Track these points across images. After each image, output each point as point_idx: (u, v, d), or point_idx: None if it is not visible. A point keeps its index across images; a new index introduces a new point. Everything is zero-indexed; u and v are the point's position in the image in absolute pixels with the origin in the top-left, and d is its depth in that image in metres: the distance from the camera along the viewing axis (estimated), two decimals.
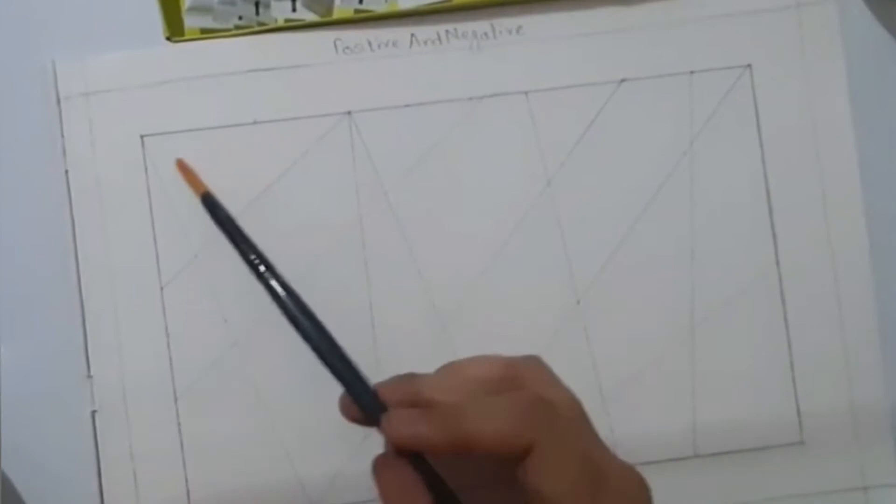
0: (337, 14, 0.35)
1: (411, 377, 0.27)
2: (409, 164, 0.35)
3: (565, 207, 0.35)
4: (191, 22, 0.35)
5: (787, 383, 0.34)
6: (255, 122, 0.35)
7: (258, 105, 0.35)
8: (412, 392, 0.26)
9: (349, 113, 0.35)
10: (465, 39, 0.35)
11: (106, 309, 0.34)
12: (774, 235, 0.35)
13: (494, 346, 0.28)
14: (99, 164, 0.34)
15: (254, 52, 0.35)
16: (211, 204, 0.32)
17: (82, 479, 0.34)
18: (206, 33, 0.35)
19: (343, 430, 0.34)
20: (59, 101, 0.35)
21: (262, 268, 0.30)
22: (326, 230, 0.34)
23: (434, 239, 0.35)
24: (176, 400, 0.34)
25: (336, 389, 0.28)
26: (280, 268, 0.34)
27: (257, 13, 0.35)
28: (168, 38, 0.35)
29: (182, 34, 0.35)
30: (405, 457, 0.25)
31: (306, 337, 0.29)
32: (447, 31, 0.35)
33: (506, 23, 0.35)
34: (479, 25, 0.35)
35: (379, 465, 0.26)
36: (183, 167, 0.34)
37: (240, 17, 0.35)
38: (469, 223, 0.35)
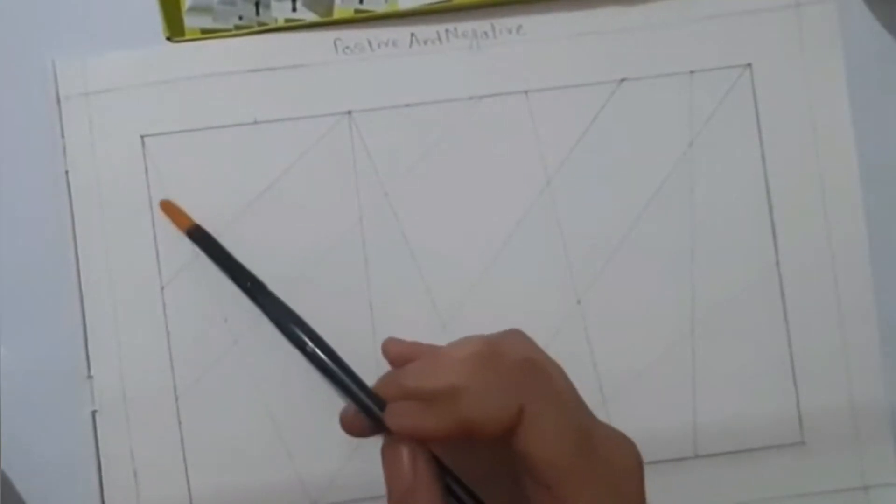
0: (337, 14, 0.35)
1: (390, 373, 0.27)
2: (409, 164, 0.35)
3: (565, 207, 0.35)
4: (191, 22, 0.35)
5: (787, 383, 0.34)
6: (255, 122, 0.35)
7: (258, 105, 0.35)
8: (398, 386, 0.26)
9: (349, 113, 0.35)
10: (465, 39, 0.35)
11: (106, 309, 0.34)
12: (774, 235, 0.35)
13: None
14: (99, 164, 0.34)
15: (254, 52, 0.35)
16: (199, 236, 0.32)
17: (82, 479, 0.34)
18: (206, 33, 0.35)
19: None
20: (59, 101, 0.35)
21: (256, 292, 0.31)
22: (326, 230, 0.34)
23: (434, 239, 0.35)
24: (176, 399, 0.34)
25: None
26: (280, 268, 0.34)
27: (257, 13, 0.35)
28: (168, 38, 0.35)
29: (182, 34, 0.35)
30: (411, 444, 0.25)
31: (304, 349, 0.29)
32: (447, 31, 0.35)
33: (506, 22, 0.35)
34: (479, 25, 0.35)
35: (386, 446, 0.26)
36: (168, 207, 0.34)
37: (240, 17, 0.35)
38: (469, 223, 0.35)
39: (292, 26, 0.35)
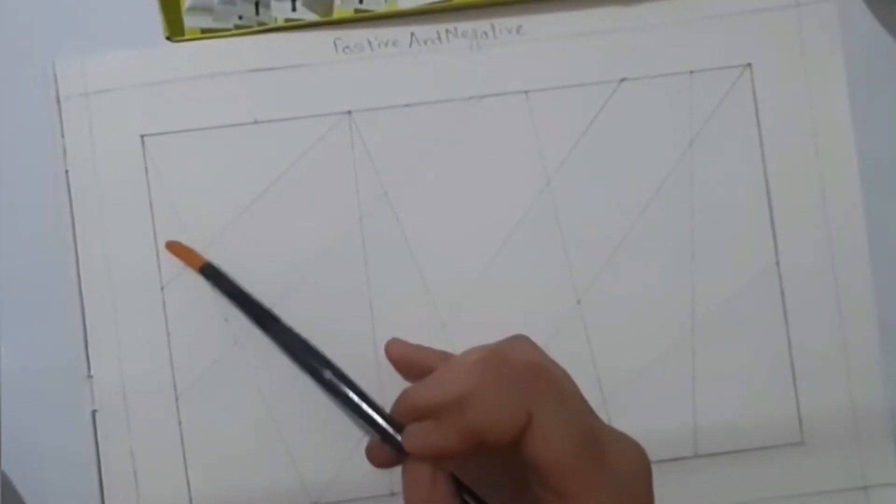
0: (337, 14, 0.35)
1: (403, 393, 0.27)
2: (409, 164, 0.35)
3: (565, 207, 0.35)
4: (191, 22, 0.35)
5: (787, 383, 0.34)
6: (255, 122, 0.35)
7: (258, 105, 0.35)
8: (410, 406, 0.26)
9: (349, 113, 0.35)
10: (465, 39, 0.35)
11: (106, 309, 0.34)
12: (774, 235, 0.35)
13: None
14: (99, 164, 0.34)
15: (254, 52, 0.35)
16: (212, 275, 0.33)
17: (82, 479, 0.34)
18: (206, 33, 0.35)
19: (344, 428, 0.34)
20: (59, 101, 0.35)
21: (273, 326, 0.31)
22: (326, 230, 0.34)
23: (434, 239, 0.34)
24: (176, 399, 0.34)
25: None
26: (280, 268, 0.34)
27: (257, 13, 0.35)
28: (168, 38, 0.35)
29: (182, 34, 0.35)
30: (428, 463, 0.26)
31: (336, 394, 0.29)
32: (447, 31, 0.35)
33: (506, 22, 0.35)
34: (479, 25, 0.35)
35: (407, 465, 0.26)
36: (175, 248, 0.34)
37: (240, 17, 0.35)
38: (469, 223, 0.35)
39: (292, 26, 0.35)
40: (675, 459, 0.34)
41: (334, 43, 0.35)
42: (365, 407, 0.28)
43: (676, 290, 0.35)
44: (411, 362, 0.32)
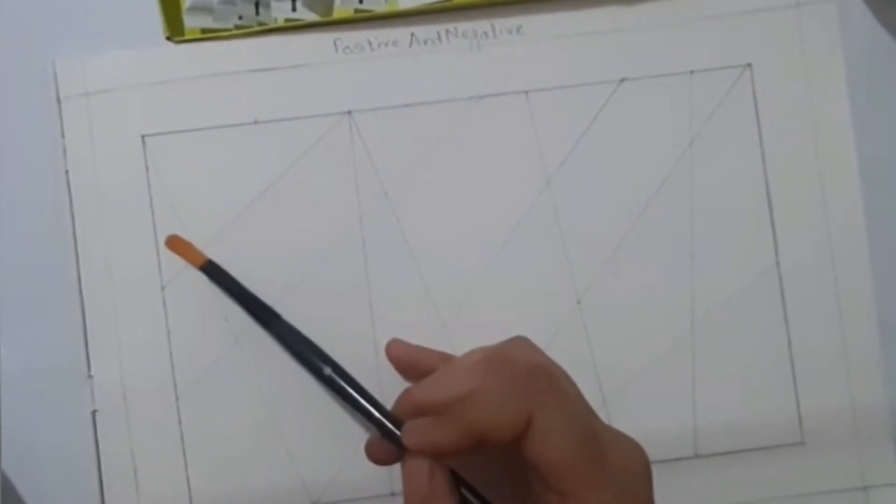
0: (337, 14, 0.35)
1: (405, 392, 0.27)
2: (409, 164, 0.35)
3: (565, 207, 0.35)
4: (191, 22, 0.35)
5: (787, 383, 0.34)
6: (255, 122, 0.35)
7: (259, 105, 0.35)
8: (411, 403, 0.27)
9: (349, 113, 0.35)
10: (465, 39, 0.35)
11: (106, 309, 0.34)
12: (774, 235, 0.35)
13: None
14: (99, 164, 0.34)
15: (254, 52, 0.35)
16: (213, 272, 0.33)
17: (82, 479, 0.34)
18: (206, 33, 0.35)
19: (344, 428, 0.34)
20: (59, 101, 0.35)
21: (275, 323, 0.31)
22: (326, 230, 0.34)
23: (434, 239, 0.34)
24: (177, 399, 0.34)
25: None
26: (279, 268, 0.34)
27: (257, 13, 0.35)
28: (168, 38, 0.35)
29: (182, 34, 0.35)
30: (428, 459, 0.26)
31: (337, 390, 0.30)
32: (447, 31, 0.35)
33: (506, 23, 0.35)
34: (479, 25, 0.35)
35: (406, 463, 0.26)
36: (175, 243, 0.34)
37: (240, 17, 0.35)
38: (469, 223, 0.35)
39: (292, 26, 0.35)
40: (675, 459, 0.34)
41: (334, 43, 0.35)
42: (365, 403, 0.29)
43: (676, 290, 0.35)
44: (411, 363, 0.32)
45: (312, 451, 0.34)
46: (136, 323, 0.34)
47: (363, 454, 0.29)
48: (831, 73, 0.35)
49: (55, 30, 0.35)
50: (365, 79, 0.35)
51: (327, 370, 0.30)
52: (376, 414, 0.28)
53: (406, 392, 0.27)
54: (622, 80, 0.35)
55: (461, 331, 0.34)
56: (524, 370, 0.25)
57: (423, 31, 0.35)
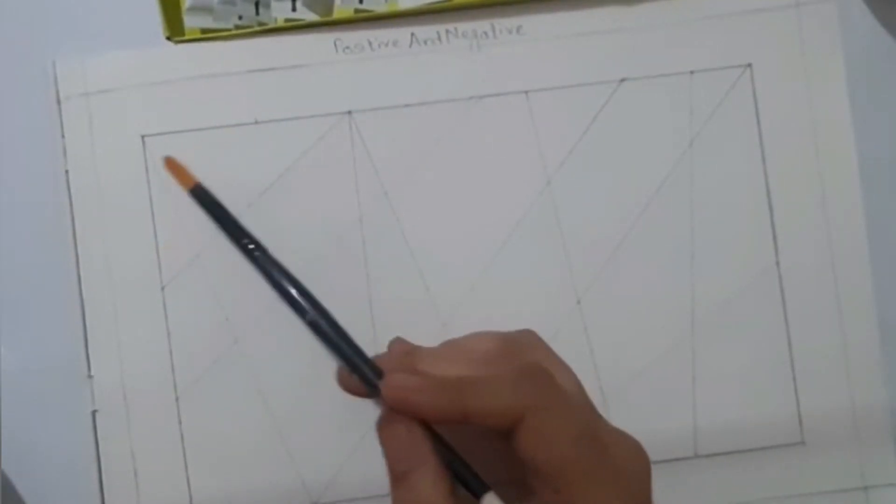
0: (337, 14, 0.35)
1: (411, 350, 0.27)
2: (409, 164, 0.35)
3: (565, 207, 0.35)
4: (191, 22, 0.35)
5: (787, 383, 0.34)
6: (255, 122, 0.35)
7: (258, 105, 0.35)
8: (409, 363, 0.27)
9: (349, 113, 0.35)
10: (465, 39, 0.35)
11: (106, 309, 0.34)
12: (774, 235, 0.35)
13: None
14: (99, 164, 0.34)
15: (254, 52, 0.35)
16: (201, 195, 0.32)
17: (82, 479, 0.34)
18: (206, 33, 0.35)
19: (344, 428, 0.34)
20: (59, 101, 0.35)
21: (255, 252, 0.30)
22: (326, 230, 0.34)
23: (434, 239, 0.35)
24: (177, 399, 0.34)
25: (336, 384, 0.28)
26: None
27: (257, 13, 0.35)
28: (168, 38, 0.35)
29: (182, 34, 0.35)
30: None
31: (301, 312, 0.29)
32: (447, 31, 0.35)
33: (506, 23, 0.35)
34: (479, 25, 0.35)
35: (383, 423, 0.26)
36: (172, 165, 0.33)
37: (240, 17, 0.35)
38: (469, 223, 0.35)
39: (292, 26, 0.35)
40: (675, 459, 0.34)
41: (334, 43, 0.35)
42: (346, 348, 0.28)
43: (676, 290, 0.35)
44: (404, 368, 0.31)
45: (312, 451, 0.34)
46: (136, 323, 0.34)
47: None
48: (831, 73, 0.35)
49: (55, 30, 0.35)
50: (365, 79, 0.35)
51: (311, 314, 0.29)
52: (361, 364, 0.27)
53: (407, 354, 0.27)
54: (622, 80, 0.35)
55: (461, 331, 0.34)
56: (526, 368, 0.25)
57: (424, 31, 0.35)
